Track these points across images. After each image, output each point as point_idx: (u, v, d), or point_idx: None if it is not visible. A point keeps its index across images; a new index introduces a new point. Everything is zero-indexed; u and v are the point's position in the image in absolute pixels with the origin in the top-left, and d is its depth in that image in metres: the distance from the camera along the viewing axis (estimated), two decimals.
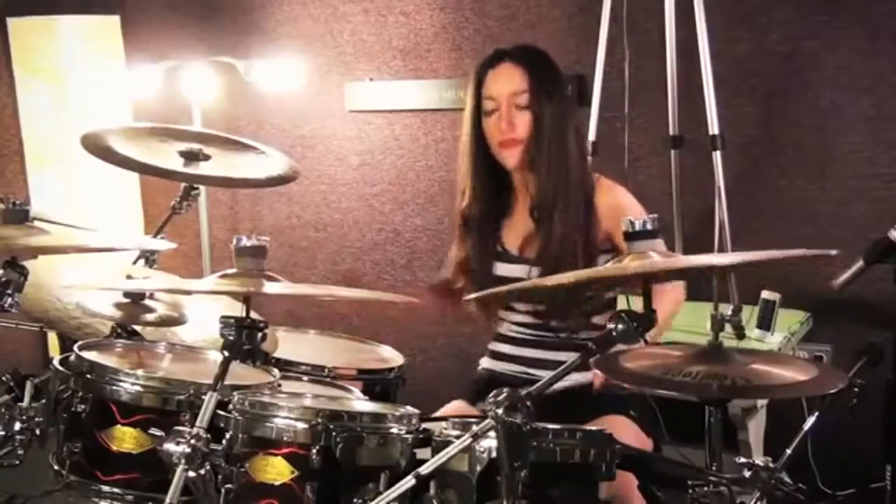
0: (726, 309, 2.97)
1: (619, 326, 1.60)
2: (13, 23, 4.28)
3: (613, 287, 2.25)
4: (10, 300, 2.15)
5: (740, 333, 2.97)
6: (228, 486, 1.80)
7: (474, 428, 1.61)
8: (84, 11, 4.26)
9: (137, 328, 2.42)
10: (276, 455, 1.77)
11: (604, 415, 2.24)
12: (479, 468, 1.65)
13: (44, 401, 2.14)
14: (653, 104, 3.41)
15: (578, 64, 3.54)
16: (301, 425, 1.77)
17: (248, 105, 4.34)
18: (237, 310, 1.94)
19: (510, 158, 2.36)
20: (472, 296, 2.20)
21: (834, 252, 1.61)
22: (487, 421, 1.56)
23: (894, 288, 2.36)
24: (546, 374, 1.69)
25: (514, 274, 2.39)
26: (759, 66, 3.40)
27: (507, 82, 2.35)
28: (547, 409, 1.67)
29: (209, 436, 1.75)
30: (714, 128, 3.12)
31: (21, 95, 4.32)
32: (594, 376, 2.24)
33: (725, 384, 1.62)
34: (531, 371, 2.42)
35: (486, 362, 2.56)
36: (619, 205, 2.36)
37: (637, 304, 1.69)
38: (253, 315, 1.94)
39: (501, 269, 2.43)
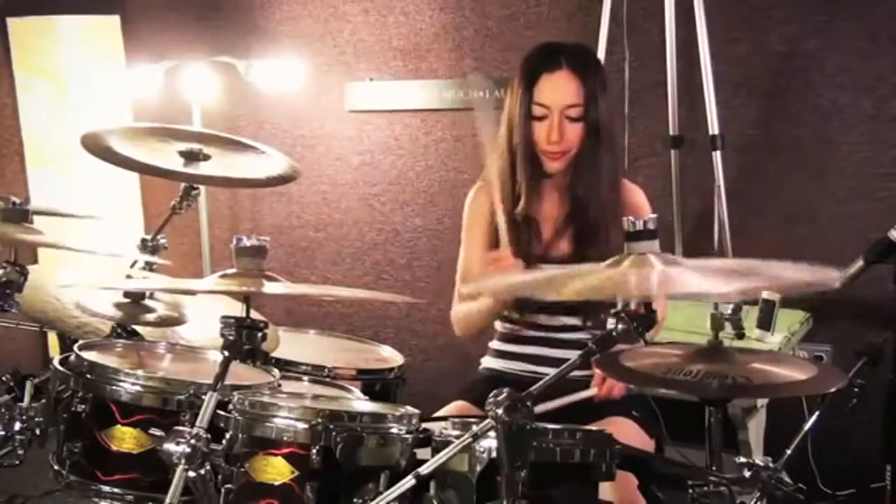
0: (726, 309, 2.96)
1: (620, 326, 1.60)
2: (13, 23, 4.28)
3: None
4: (10, 300, 2.14)
5: (740, 333, 2.96)
6: (228, 486, 1.79)
7: (474, 428, 1.60)
8: (84, 11, 4.26)
9: (137, 328, 2.42)
10: (276, 455, 1.77)
11: (606, 417, 2.23)
12: (479, 468, 1.64)
13: (44, 401, 2.14)
14: (653, 104, 3.42)
15: None
16: (301, 425, 1.76)
17: (248, 105, 4.34)
18: (237, 310, 1.94)
19: (553, 165, 2.33)
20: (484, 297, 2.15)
21: (837, 283, 1.59)
22: (487, 421, 1.55)
23: (894, 288, 2.36)
24: (552, 372, 1.68)
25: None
26: (759, 66, 3.40)
27: (563, 93, 2.27)
28: (548, 411, 1.67)
29: (209, 436, 1.75)
30: (714, 128, 3.12)
31: (21, 95, 4.33)
32: (596, 384, 2.25)
33: (725, 383, 1.62)
34: (537, 369, 2.40)
35: (488, 361, 2.54)
36: (636, 204, 2.37)
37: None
38: (254, 314, 1.94)
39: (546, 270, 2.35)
